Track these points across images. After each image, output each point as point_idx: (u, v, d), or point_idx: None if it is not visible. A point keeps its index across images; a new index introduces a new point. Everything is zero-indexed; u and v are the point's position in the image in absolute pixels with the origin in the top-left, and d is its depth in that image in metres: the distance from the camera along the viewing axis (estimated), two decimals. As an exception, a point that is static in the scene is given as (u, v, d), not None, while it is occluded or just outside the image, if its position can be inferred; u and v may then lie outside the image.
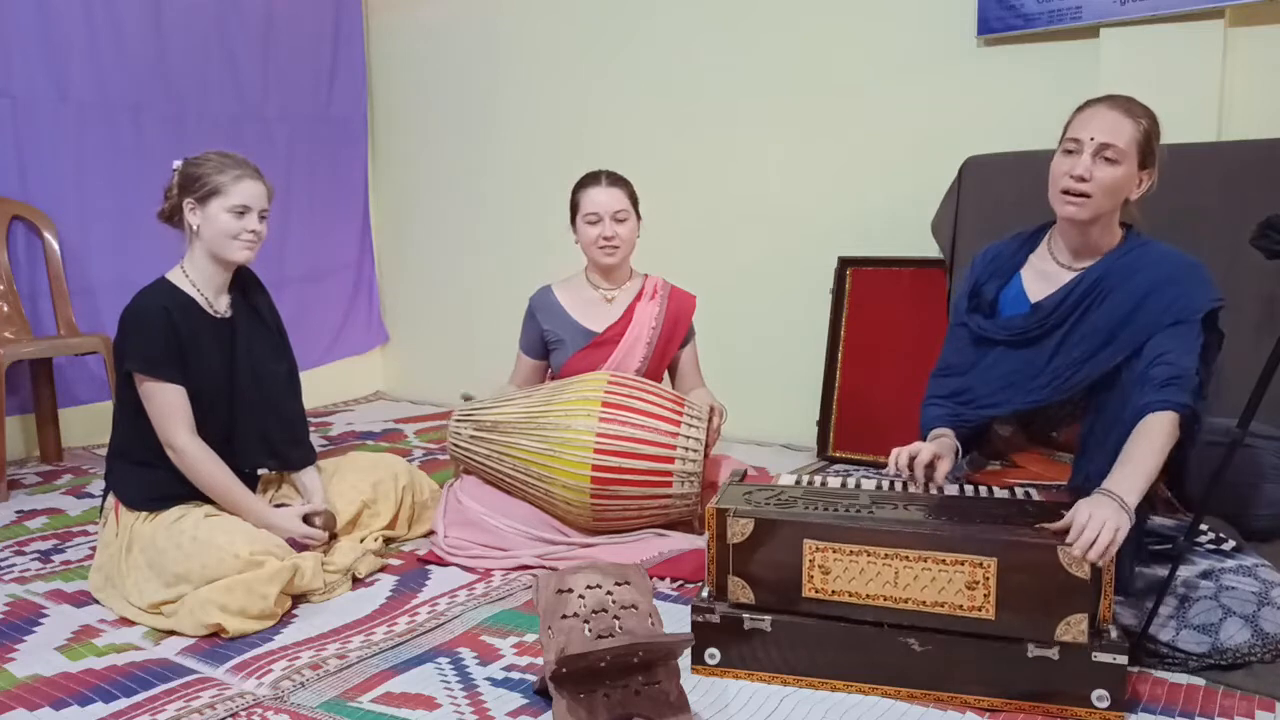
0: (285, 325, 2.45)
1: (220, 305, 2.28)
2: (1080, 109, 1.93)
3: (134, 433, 2.20)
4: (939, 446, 1.97)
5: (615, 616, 1.65)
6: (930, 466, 1.94)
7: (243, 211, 2.19)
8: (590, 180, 2.67)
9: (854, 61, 3.32)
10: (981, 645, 1.65)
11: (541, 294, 2.76)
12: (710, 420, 2.46)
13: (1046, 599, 1.61)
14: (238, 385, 2.28)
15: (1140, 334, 1.83)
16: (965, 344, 2.08)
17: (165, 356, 2.14)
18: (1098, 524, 1.58)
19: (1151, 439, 1.71)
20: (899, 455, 1.94)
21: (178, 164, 2.24)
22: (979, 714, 1.65)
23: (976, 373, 2.04)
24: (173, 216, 2.24)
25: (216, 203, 2.17)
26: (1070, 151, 1.88)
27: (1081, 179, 1.84)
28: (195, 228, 2.20)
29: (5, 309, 3.35)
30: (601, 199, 2.62)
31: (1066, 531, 1.62)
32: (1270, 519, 2.23)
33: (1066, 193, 1.87)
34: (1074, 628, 1.60)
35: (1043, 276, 2.00)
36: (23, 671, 1.88)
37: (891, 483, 1.97)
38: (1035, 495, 1.88)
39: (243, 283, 2.35)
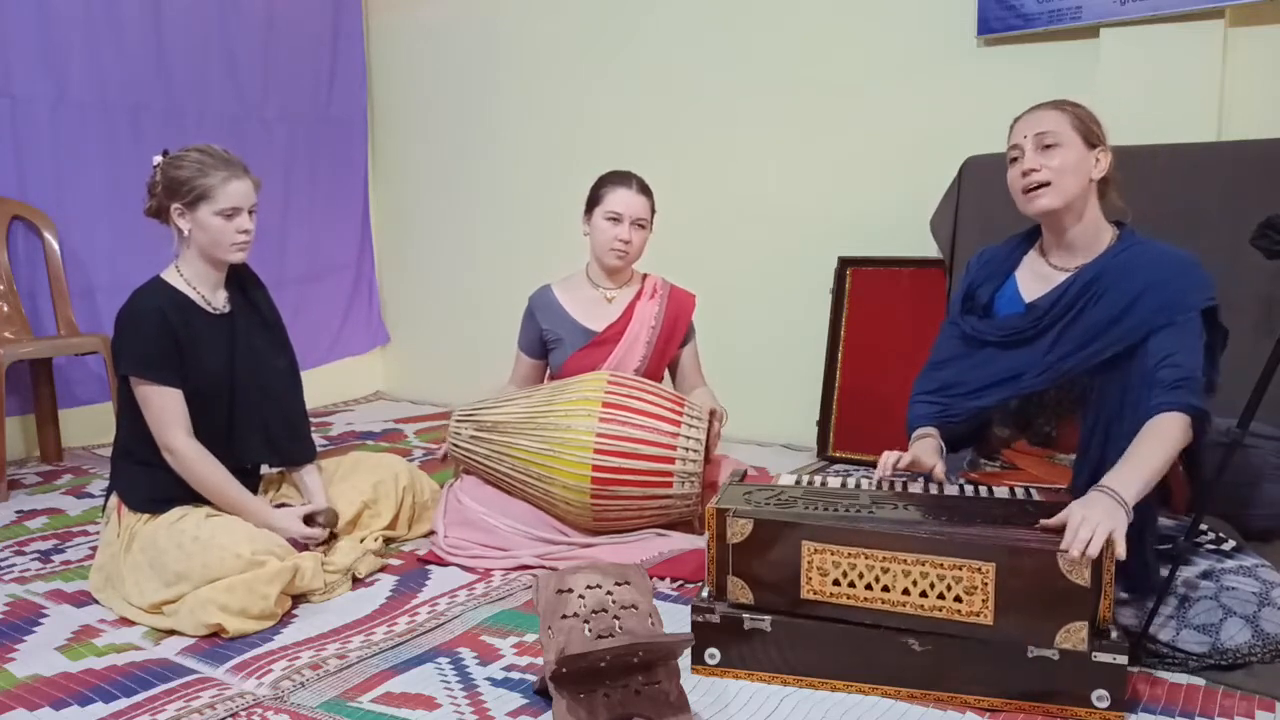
0: (285, 324, 2.44)
1: (218, 301, 2.27)
2: (1012, 125, 2.00)
3: (136, 433, 2.20)
4: (923, 451, 1.98)
5: (615, 616, 1.65)
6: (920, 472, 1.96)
7: (232, 214, 2.17)
8: (621, 180, 2.65)
9: (854, 61, 3.32)
10: (982, 645, 1.65)
11: (541, 293, 2.76)
12: (710, 425, 2.45)
13: (1046, 605, 1.60)
14: (238, 381, 2.27)
15: (1133, 331, 1.83)
16: (958, 343, 2.09)
17: (159, 358, 2.13)
18: (1090, 526, 1.58)
19: (1159, 438, 1.71)
20: (884, 465, 1.97)
21: (158, 159, 2.20)
22: (979, 714, 1.65)
23: (967, 367, 2.06)
24: (160, 214, 2.21)
25: (205, 207, 2.15)
26: (1015, 159, 1.95)
27: (1032, 170, 1.90)
28: (186, 232, 2.19)
29: (5, 309, 3.35)
30: (629, 201, 2.61)
31: (1061, 529, 1.62)
32: (1270, 519, 2.23)
33: (1027, 191, 1.92)
34: (1074, 635, 1.59)
35: (1038, 277, 2.01)
36: (23, 671, 1.88)
37: (891, 482, 1.97)
38: (1035, 495, 1.88)
39: (240, 278, 2.34)
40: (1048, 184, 1.89)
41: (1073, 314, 1.91)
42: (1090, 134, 1.92)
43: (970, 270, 2.14)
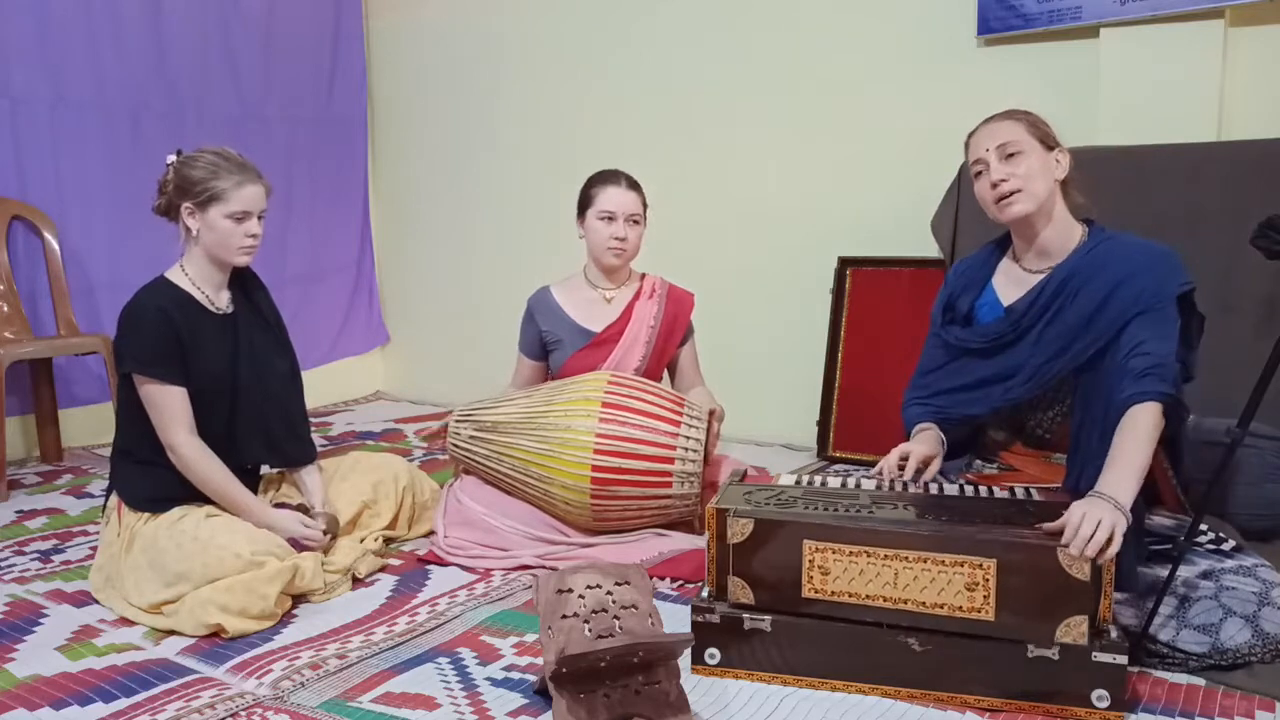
0: (286, 325, 2.44)
1: (221, 301, 2.28)
2: (967, 141, 2.03)
3: (136, 432, 2.20)
4: (927, 445, 1.99)
5: (615, 616, 1.65)
6: (922, 466, 1.97)
7: (242, 217, 2.18)
8: (610, 178, 2.66)
9: (854, 61, 3.32)
10: (982, 645, 1.65)
11: (539, 295, 2.76)
12: (709, 425, 2.45)
13: (1046, 601, 1.61)
14: (240, 381, 2.27)
15: (1112, 325, 1.85)
16: (942, 353, 2.12)
17: (162, 357, 2.13)
18: (1092, 523, 1.59)
19: (1137, 432, 1.73)
20: (889, 460, 1.98)
21: (172, 158, 2.21)
22: (979, 714, 1.65)
23: (954, 373, 2.07)
24: (169, 212, 2.22)
25: (216, 209, 2.16)
26: (980, 172, 1.98)
27: (1002, 180, 1.92)
28: (195, 232, 2.19)
29: (5, 309, 3.35)
30: (620, 199, 2.62)
31: (1062, 531, 1.62)
32: (1270, 519, 2.23)
33: (999, 200, 1.94)
34: (1074, 629, 1.60)
35: (1013, 281, 2.04)
36: (23, 671, 1.88)
37: (891, 483, 1.97)
38: (1035, 495, 1.88)
39: (241, 279, 2.34)
40: (1018, 191, 1.92)
41: (1050, 314, 1.94)
42: (1046, 137, 1.96)
43: (948, 282, 2.18)
